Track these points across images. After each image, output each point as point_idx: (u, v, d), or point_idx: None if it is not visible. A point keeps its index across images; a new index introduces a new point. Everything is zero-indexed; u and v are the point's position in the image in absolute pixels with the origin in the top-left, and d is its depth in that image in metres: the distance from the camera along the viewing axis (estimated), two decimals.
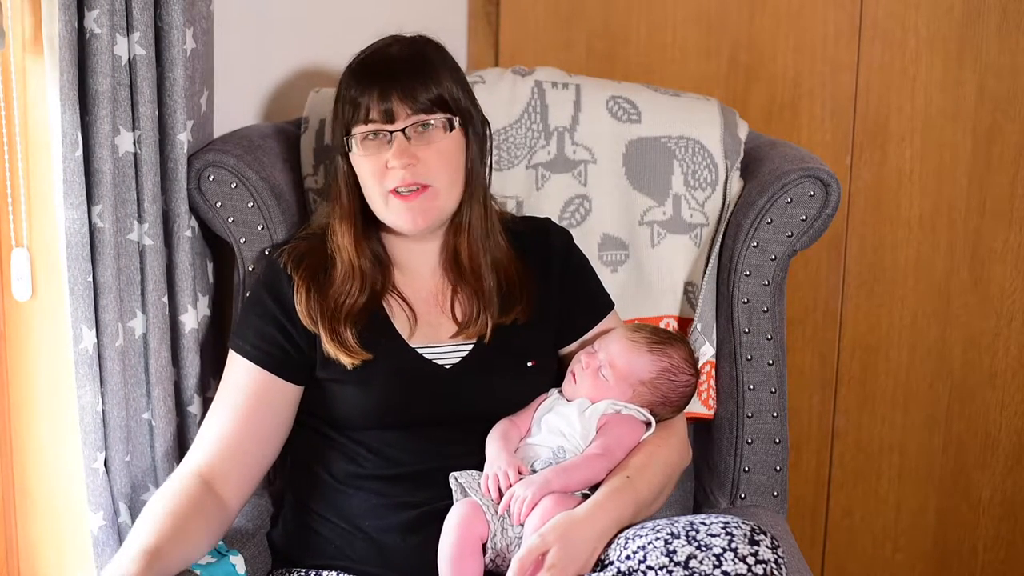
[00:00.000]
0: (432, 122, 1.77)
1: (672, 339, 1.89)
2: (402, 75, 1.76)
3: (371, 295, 1.83)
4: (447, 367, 1.83)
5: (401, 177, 1.76)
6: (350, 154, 1.79)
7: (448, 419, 1.81)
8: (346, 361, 1.78)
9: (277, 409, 1.81)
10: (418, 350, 1.83)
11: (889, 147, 2.54)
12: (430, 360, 1.83)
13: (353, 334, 1.79)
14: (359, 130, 1.77)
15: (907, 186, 2.55)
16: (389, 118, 1.76)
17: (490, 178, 1.90)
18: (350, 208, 1.82)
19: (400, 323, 1.84)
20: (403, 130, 1.75)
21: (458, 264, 1.86)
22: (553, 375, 1.91)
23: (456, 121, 1.79)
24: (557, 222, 2.07)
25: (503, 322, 1.84)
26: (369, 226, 1.84)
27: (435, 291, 1.88)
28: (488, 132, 1.88)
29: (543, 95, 2.12)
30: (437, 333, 1.85)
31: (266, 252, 1.98)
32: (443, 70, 1.80)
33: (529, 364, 1.86)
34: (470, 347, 1.84)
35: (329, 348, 1.79)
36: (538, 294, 1.88)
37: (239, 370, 1.81)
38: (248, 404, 1.79)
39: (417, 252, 1.87)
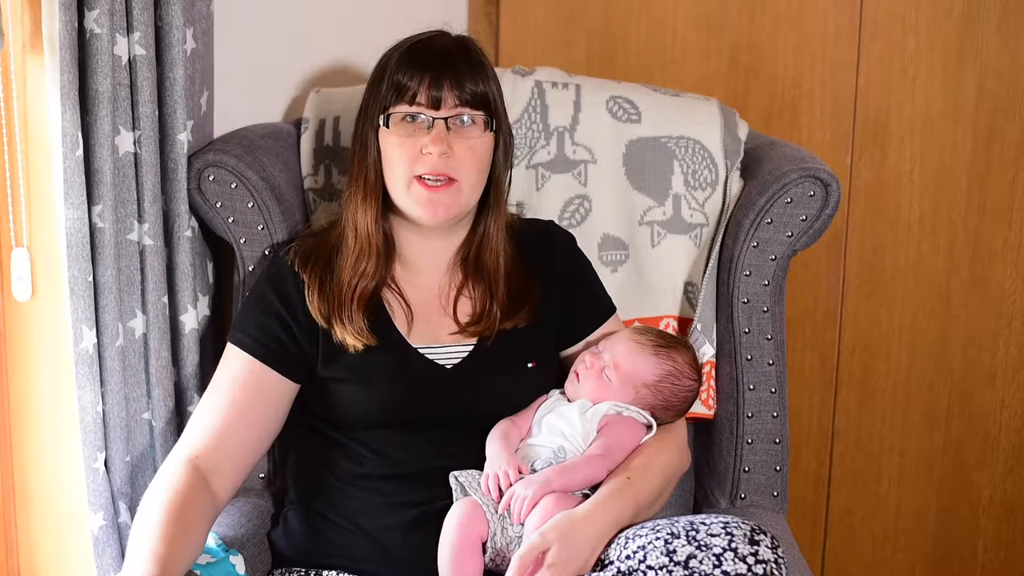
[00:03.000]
0: (474, 117, 1.78)
1: (677, 343, 1.89)
2: (456, 65, 1.78)
3: (377, 285, 1.83)
4: (448, 367, 1.83)
5: (433, 165, 1.76)
6: (382, 133, 1.79)
7: (448, 419, 1.81)
8: (352, 343, 1.78)
9: (272, 404, 1.81)
10: (419, 350, 1.83)
11: (889, 147, 2.55)
12: (431, 360, 1.83)
13: (362, 318, 1.80)
14: (401, 109, 1.77)
15: (907, 186, 2.55)
16: (436, 104, 1.76)
17: (510, 186, 1.90)
18: (376, 187, 1.82)
19: (399, 322, 1.85)
20: (446, 119, 1.76)
21: (478, 265, 1.86)
22: (554, 376, 1.91)
23: (494, 123, 1.80)
24: (557, 222, 2.07)
25: (505, 326, 1.84)
26: (383, 213, 1.84)
27: (438, 290, 1.88)
28: (512, 141, 1.89)
29: (543, 95, 2.12)
30: (436, 333, 1.85)
31: (267, 252, 1.98)
32: (489, 70, 1.82)
33: (529, 365, 1.86)
34: (471, 347, 1.84)
35: (337, 330, 1.79)
36: (540, 296, 1.88)
37: (236, 363, 1.81)
38: (244, 397, 1.79)
39: (427, 248, 1.87)
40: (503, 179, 1.87)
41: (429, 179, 1.77)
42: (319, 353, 1.82)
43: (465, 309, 1.86)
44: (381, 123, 1.79)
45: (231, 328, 1.86)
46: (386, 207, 1.84)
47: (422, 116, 1.77)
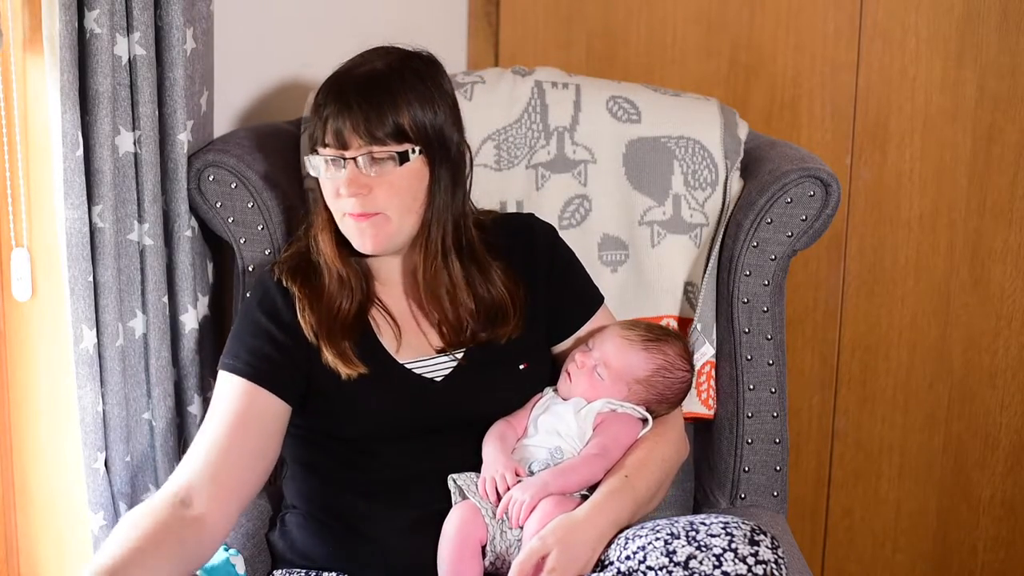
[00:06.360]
0: (385, 154, 1.73)
1: (666, 336, 1.89)
2: (359, 103, 1.72)
3: (360, 305, 1.81)
4: (438, 380, 1.81)
5: (352, 205, 1.74)
6: (312, 172, 1.78)
7: (445, 427, 1.80)
8: (344, 372, 1.76)
9: (265, 426, 1.75)
10: (407, 366, 1.82)
11: (889, 147, 2.54)
12: (419, 375, 1.81)
13: (350, 344, 1.78)
14: (318, 151, 1.76)
15: (907, 186, 2.55)
16: (342, 145, 1.73)
17: (465, 199, 1.84)
18: (328, 219, 1.81)
19: (387, 339, 1.83)
20: (355, 159, 1.73)
21: (417, 285, 1.83)
22: (547, 374, 1.90)
23: (414, 151, 1.74)
24: (557, 222, 2.07)
25: (495, 339, 1.82)
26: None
27: (419, 302, 1.85)
28: (467, 154, 1.83)
29: (543, 95, 2.12)
30: (424, 346, 1.84)
31: (267, 252, 1.98)
32: (411, 95, 1.74)
33: (521, 367, 1.85)
34: (461, 355, 1.83)
35: (328, 358, 1.77)
36: (526, 297, 1.86)
37: (228, 388, 1.76)
38: (235, 421, 1.73)
39: (393, 265, 1.85)
40: (442, 199, 1.79)
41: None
42: (312, 370, 1.79)
43: (448, 323, 1.83)
44: (308, 164, 1.77)
45: (221, 355, 1.80)
46: None
47: (337, 158, 1.74)
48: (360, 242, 1.77)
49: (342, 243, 1.81)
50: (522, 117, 2.11)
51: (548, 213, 2.09)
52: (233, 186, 1.97)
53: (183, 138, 1.93)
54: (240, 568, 1.78)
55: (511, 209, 2.11)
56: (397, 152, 1.73)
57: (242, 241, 2.00)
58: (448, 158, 1.79)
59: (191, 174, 1.96)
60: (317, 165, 1.76)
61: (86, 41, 1.78)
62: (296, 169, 2.10)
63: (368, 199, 1.74)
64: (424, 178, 1.77)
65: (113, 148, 1.83)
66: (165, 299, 1.96)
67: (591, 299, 1.95)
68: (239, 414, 1.73)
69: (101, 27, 1.77)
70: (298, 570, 1.82)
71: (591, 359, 1.83)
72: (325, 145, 1.75)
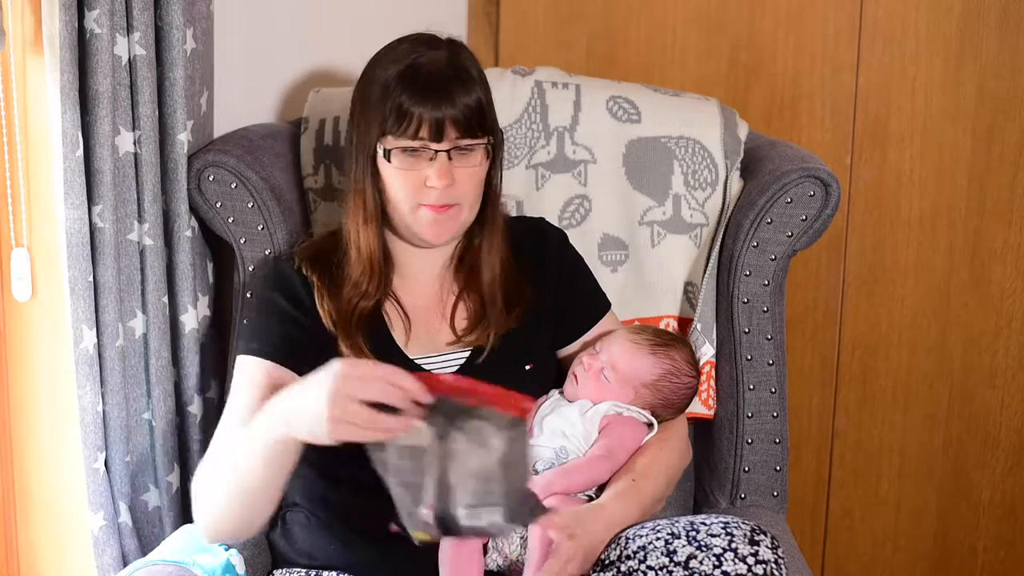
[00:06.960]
0: (476, 146, 1.74)
1: (674, 341, 1.89)
2: (454, 92, 1.72)
3: (378, 299, 1.82)
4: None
5: (437, 196, 1.74)
6: (381, 161, 1.75)
7: None
8: None
9: None
10: (416, 360, 1.82)
11: (889, 147, 2.55)
12: (429, 371, 1.81)
13: (363, 337, 1.78)
14: (403, 143, 1.73)
15: (907, 186, 2.55)
16: (439, 137, 1.72)
17: (501, 185, 1.87)
18: (376, 212, 1.79)
19: (397, 333, 1.83)
20: (448, 150, 1.73)
21: (470, 274, 1.84)
22: (553, 376, 1.91)
23: (491, 142, 1.77)
24: (557, 222, 2.07)
25: (502, 331, 1.83)
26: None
27: (435, 297, 1.86)
28: (502, 142, 1.86)
29: (543, 95, 2.12)
30: (434, 341, 1.84)
31: (267, 252, 1.98)
32: (480, 79, 1.77)
33: (527, 367, 1.85)
34: (467, 355, 1.83)
35: (343, 349, 1.77)
36: (533, 297, 1.87)
37: (253, 371, 1.75)
38: (265, 399, 1.69)
39: (420, 257, 1.85)
40: (497, 187, 1.83)
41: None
42: (330, 355, 1.79)
43: (462, 315, 1.85)
44: (381, 155, 1.74)
45: (240, 341, 1.80)
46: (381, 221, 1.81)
47: (426, 149, 1.72)
48: (434, 232, 1.77)
49: (382, 234, 1.81)
50: (522, 117, 2.11)
51: (548, 213, 2.09)
52: (233, 186, 1.97)
53: (183, 138, 1.93)
54: (240, 568, 1.78)
55: (512, 210, 2.11)
56: (488, 145, 1.76)
57: (242, 241, 1.99)
58: (499, 147, 1.82)
59: (191, 174, 1.96)
60: (395, 157, 1.74)
61: (86, 41, 1.78)
62: (296, 169, 2.10)
63: (451, 191, 1.74)
64: (486, 169, 1.80)
65: (113, 148, 1.83)
66: (165, 299, 1.95)
67: (598, 304, 1.96)
68: (266, 397, 1.68)
69: (101, 27, 1.77)
70: (299, 569, 1.82)
71: (598, 362, 1.84)
72: (418, 137, 1.72)
